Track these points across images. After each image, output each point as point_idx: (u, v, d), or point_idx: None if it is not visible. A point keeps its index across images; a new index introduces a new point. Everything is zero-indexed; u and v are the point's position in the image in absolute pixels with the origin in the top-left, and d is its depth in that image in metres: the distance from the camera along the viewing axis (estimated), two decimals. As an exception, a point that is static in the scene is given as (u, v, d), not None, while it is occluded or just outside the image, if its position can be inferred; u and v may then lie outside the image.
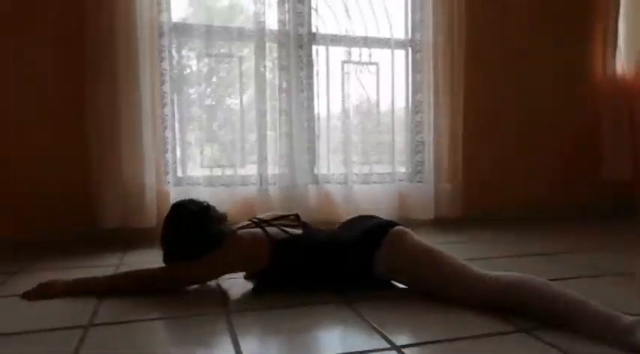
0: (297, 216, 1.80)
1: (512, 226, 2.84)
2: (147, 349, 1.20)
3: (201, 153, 2.64)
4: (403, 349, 1.15)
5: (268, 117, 2.67)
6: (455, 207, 2.93)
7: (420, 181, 2.94)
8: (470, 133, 2.97)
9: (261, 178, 2.66)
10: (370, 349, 1.16)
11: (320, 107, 2.79)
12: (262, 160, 2.65)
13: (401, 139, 2.98)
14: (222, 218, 1.69)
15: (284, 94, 2.69)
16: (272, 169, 2.70)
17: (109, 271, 1.90)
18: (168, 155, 2.59)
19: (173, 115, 2.60)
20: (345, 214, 2.76)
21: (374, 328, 1.27)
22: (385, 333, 1.24)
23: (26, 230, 2.40)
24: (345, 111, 2.80)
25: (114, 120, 2.39)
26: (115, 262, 2.11)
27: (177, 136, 2.63)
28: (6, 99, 2.38)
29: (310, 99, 2.76)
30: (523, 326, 1.25)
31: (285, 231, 1.63)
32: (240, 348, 1.17)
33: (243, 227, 1.68)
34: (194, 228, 1.59)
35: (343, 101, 2.81)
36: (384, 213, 2.82)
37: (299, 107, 2.70)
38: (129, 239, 2.46)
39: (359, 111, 2.87)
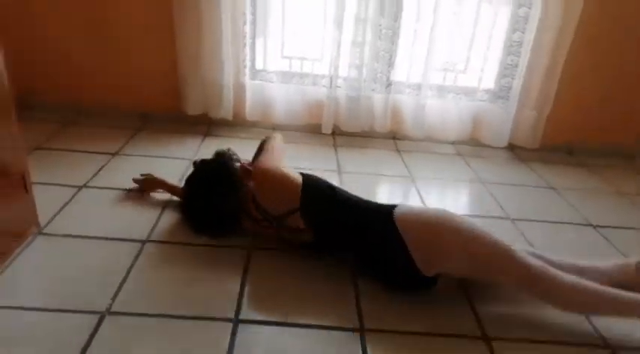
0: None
1: (592, 169, 2.67)
2: (187, 270, 1.51)
3: (277, 48, 2.67)
4: None
5: (347, 18, 2.54)
6: (533, 137, 2.75)
7: (503, 102, 2.74)
8: (574, 58, 2.59)
9: (331, 80, 2.65)
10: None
11: (405, 12, 2.56)
12: (334, 60, 2.61)
13: (494, 57, 2.71)
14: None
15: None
16: (343, 71, 2.66)
17: (189, 152, 2.26)
18: (247, 50, 2.64)
19: (253, 9, 2.58)
20: (412, 129, 2.76)
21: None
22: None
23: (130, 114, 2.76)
24: (434, 16, 2.55)
25: (197, 15, 2.45)
26: (195, 146, 2.48)
27: (256, 30, 2.64)
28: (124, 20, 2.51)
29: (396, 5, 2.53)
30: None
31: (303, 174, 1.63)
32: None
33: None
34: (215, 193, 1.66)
35: (435, 9, 2.54)
36: (453, 133, 2.78)
37: (380, 9, 2.52)
38: (209, 126, 2.73)
39: (449, 21, 2.59)
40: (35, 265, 1.51)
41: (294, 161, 2.40)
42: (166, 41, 2.55)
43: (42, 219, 1.70)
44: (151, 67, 2.66)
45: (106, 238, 1.66)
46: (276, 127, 2.79)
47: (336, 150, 2.65)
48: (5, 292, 1.38)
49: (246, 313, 1.37)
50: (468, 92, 2.76)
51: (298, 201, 1.53)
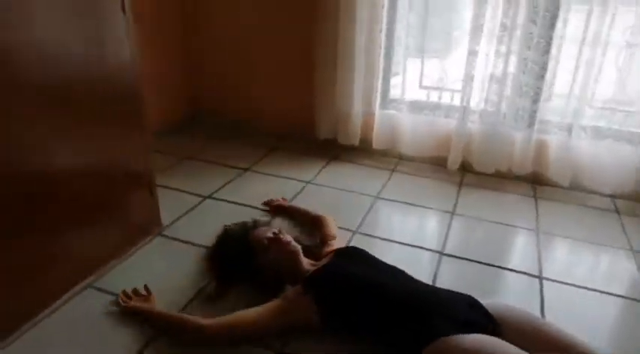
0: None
1: None
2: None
3: (413, 79, 2.62)
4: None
5: (488, 50, 2.36)
6: None
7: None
8: None
9: (464, 112, 2.48)
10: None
11: (555, 45, 2.27)
12: (468, 92, 2.44)
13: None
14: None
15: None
16: (479, 105, 2.47)
17: (310, 175, 2.34)
18: (379, 81, 2.65)
19: (388, 40, 2.59)
20: (557, 174, 2.44)
21: None
22: None
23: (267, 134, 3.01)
24: (590, 46, 2.20)
25: (334, 51, 2.56)
26: (317, 169, 2.59)
27: (393, 62, 2.64)
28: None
29: (545, 36, 2.26)
30: None
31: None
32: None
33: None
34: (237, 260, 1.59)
35: (585, 38, 2.19)
36: (611, 183, 2.37)
37: (526, 42, 2.28)
38: (337, 151, 2.81)
39: (615, 53, 2.21)
40: (144, 264, 1.74)
41: (410, 194, 2.34)
42: (307, 72, 2.70)
43: (165, 221, 1.96)
44: (291, 94, 2.86)
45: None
46: (402, 157, 2.73)
47: (459, 188, 2.47)
48: (119, 282, 1.63)
49: None
50: (634, 138, 2.31)
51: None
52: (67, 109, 1.44)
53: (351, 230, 2.02)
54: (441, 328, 1.21)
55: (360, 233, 2.00)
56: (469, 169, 2.62)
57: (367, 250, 1.62)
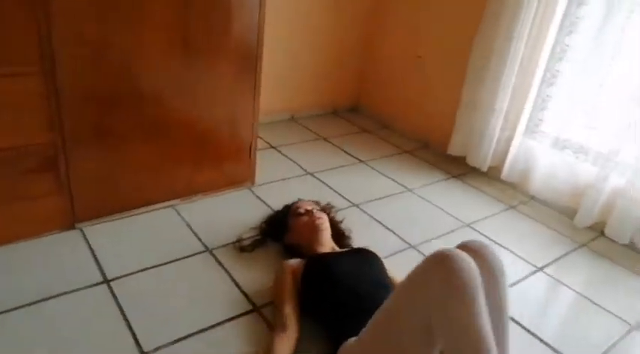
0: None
1: None
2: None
3: (560, 110, 2.28)
4: None
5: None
6: None
7: None
8: None
9: (613, 162, 2.06)
10: None
11: None
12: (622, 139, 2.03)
13: None
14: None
15: None
16: (637, 160, 2.02)
17: (417, 183, 2.36)
18: (528, 104, 2.40)
19: (550, 61, 2.31)
20: None
21: None
22: None
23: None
24: None
25: (487, 68, 2.42)
26: (429, 182, 2.51)
27: (553, 91, 2.35)
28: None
29: None
30: None
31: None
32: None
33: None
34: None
35: None
36: None
37: None
38: (463, 170, 2.66)
39: None
40: (216, 207, 2.07)
41: (506, 236, 2.09)
42: (458, 84, 2.61)
43: (260, 180, 2.26)
44: (438, 102, 2.81)
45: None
46: (532, 196, 2.43)
47: (577, 251, 2.08)
48: (195, 212, 2.00)
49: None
50: None
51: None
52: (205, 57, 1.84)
53: (407, 243, 1.97)
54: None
55: (416, 249, 1.94)
56: (600, 232, 2.18)
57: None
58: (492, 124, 2.47)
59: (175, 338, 1.38)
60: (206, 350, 1.37)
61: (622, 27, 2.01)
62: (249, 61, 1.96)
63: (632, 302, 1.80)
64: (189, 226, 1.89)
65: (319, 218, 1.69)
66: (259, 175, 2.25)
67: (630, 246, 2.10)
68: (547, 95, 2.36)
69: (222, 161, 2.11)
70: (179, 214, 1.96)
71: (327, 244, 1.67)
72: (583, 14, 2.18)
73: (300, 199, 1.86)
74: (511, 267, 1.93)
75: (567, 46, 2.25)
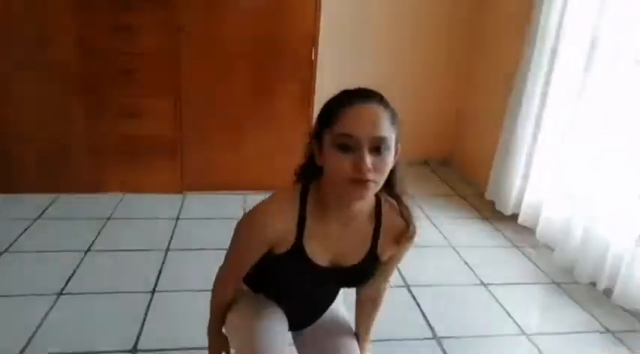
0: None
1: None
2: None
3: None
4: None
5: None
6: None
7: None
8: None
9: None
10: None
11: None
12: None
13: None
14: None
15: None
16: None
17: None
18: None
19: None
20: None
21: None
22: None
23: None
24: None
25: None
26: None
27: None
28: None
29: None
30: None
31: None
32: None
33: None
34: None
35: None
36: None
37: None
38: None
39: None
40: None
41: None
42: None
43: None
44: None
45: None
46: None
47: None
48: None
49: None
50: None
51: None
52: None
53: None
54: None
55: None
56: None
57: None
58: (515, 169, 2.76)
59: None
60: None
61: None
62: (305, 102, 2.87)
63: None
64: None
65: (370, 181, 0.92)
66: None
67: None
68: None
69: (282, 169, 3.02)
70: (245, 201, 2.92)
71: (352, 209, 1.04)
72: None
73: (363, 100, 0.95)
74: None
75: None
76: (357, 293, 1.26)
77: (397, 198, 1.07)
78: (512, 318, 1.98)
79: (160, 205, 2.78)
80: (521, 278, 2.30)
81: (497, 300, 2.09)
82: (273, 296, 1.19)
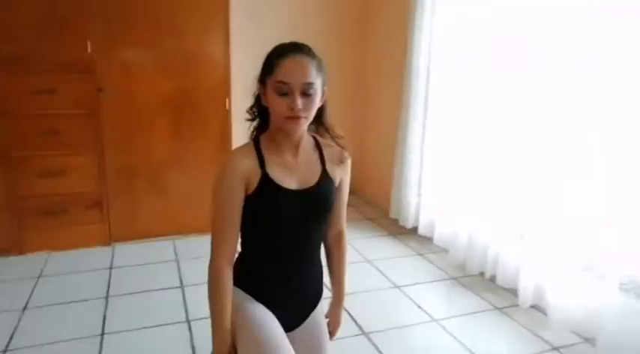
0: None
1: None
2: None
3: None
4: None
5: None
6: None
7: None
8: None
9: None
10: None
11: None
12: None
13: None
14: None
15: None
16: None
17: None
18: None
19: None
20: None
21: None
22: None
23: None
24: None
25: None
26: None
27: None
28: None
29: None
30: None
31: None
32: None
33: None
34: None
35: None
36: None
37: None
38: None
39: None
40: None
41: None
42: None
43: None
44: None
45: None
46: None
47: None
48: (181, 240, 3.11)
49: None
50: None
51: None
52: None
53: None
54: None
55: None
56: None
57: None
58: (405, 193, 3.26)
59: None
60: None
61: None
62: (222, 147, 3.14)
63: None
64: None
65: (301, 117, 1.19)
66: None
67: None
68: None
69: (203, 208, 3.23)
70: (174, 245, 3.08)
71: (295, 141, 1.28)
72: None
73: (296, 52, 1.20)
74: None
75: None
76: (325, 244, 1.45)
77: (328, 129, 1.34)
78: (422, 309, 2.39)
79: (91, 258, 2.85)
80: (426, 278, 2.74)
81: (409, 297, 2.50)
82: (268, 255, 1.30)
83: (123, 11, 2.81)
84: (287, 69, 1.18)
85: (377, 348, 2.07)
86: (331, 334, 1.48)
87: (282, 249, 1.31)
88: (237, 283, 1.29)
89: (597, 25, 1.97)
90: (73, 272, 2.68)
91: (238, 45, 3.23)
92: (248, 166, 1.24)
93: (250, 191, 1.24)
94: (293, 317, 1.36)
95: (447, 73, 2.96)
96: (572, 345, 2.09)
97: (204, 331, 2.09)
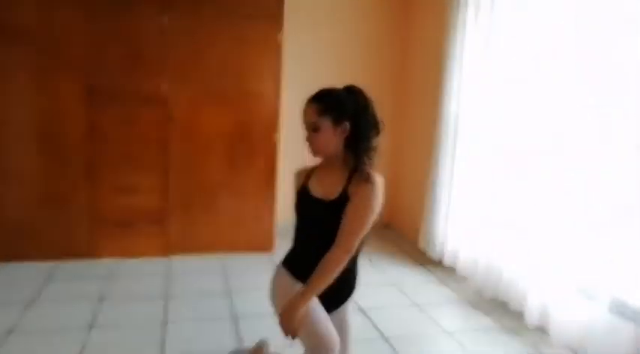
0: None
1: None
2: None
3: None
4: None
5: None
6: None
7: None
8: None
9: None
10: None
11: None
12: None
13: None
14: None
15: None
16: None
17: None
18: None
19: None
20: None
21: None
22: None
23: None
24: None
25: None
26: None
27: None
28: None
29: None
30: None
31: None
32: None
33: None
34: None
35: None
36: None
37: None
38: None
39: None
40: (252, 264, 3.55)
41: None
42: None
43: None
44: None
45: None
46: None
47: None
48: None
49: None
50: None
51: None
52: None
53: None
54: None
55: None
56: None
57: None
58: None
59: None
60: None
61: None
62: (270, 176, 3.58)
63: None
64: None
65: (310, 144, 1.65)
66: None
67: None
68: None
69: (250, 230, 3.64)
70: (223, 263, 3.49)
71: (331, 162, 1.68)
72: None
73: (308, 101, 1.65)
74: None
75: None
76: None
77: (359, 160, 1.61)
78: (439, 325, 2.67)
79: (152, 266, 3.31)
80: (446, 299, 3.03)
81: (428, 315, 2.79)
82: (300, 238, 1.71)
83: (193, 56, 3.35)
84: (303, 113, 1.65)
85: (395, 350, 2.38)
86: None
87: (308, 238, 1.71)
88: (293, 270, 1.68)
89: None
90: (136, 276, 3.13)
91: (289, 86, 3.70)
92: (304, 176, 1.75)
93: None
94: (327, 303, 1.68)
95: (472, 118, 3.31)
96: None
97: (248, 326, 2.49)
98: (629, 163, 2.14)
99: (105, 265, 3.25)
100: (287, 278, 1.68)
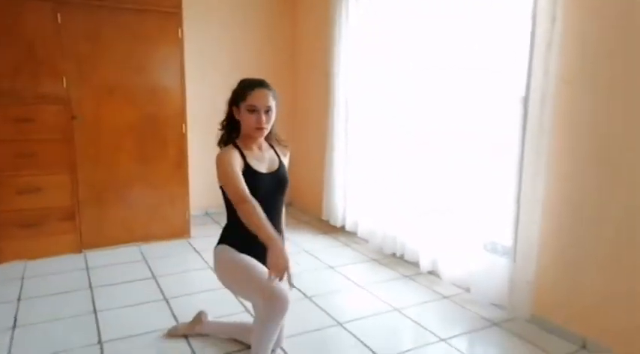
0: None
1: None
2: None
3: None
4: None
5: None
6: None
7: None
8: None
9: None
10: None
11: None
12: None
13: None
14: None
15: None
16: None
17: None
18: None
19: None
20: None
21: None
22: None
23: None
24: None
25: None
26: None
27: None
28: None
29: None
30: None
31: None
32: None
33: None
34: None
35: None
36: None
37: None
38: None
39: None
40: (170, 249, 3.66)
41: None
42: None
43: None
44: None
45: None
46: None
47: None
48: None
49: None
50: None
51: None
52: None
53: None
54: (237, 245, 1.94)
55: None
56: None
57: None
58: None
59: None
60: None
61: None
62: (181, 164, 3.70)
63: None
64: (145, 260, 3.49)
65: (264, 128, 1.91)
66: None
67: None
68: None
69: (165, 218, 3.75)
70: (142, 252, 3.56)
71: (259, 143, 2.00)
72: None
73: (260, 86, 1.92)
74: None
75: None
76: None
77: (276, 135, 2.07)
78: (351, 281, 3.08)
79: (66, 263, 3.27)
80: (354, 260, 3.46)
81: (341, 274, 3.19)
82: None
83: (93, 53, 3.34)
84: (256, 97, 1.90)
85: (319, 306, 2.73)
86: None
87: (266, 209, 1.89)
88: (227, 242, 1.97)
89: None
90: (51, 274, 3.09)
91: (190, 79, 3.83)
92: (236, 159, 1.89)
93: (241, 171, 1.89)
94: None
95: (360, 101, 3.75)
96: (456, 295, 2.89)
97: (181, 305, 2.67)
98: (492, 130, 2.68)
99: (13, 267, 3.15)
100: (234, 253, 1.94)
